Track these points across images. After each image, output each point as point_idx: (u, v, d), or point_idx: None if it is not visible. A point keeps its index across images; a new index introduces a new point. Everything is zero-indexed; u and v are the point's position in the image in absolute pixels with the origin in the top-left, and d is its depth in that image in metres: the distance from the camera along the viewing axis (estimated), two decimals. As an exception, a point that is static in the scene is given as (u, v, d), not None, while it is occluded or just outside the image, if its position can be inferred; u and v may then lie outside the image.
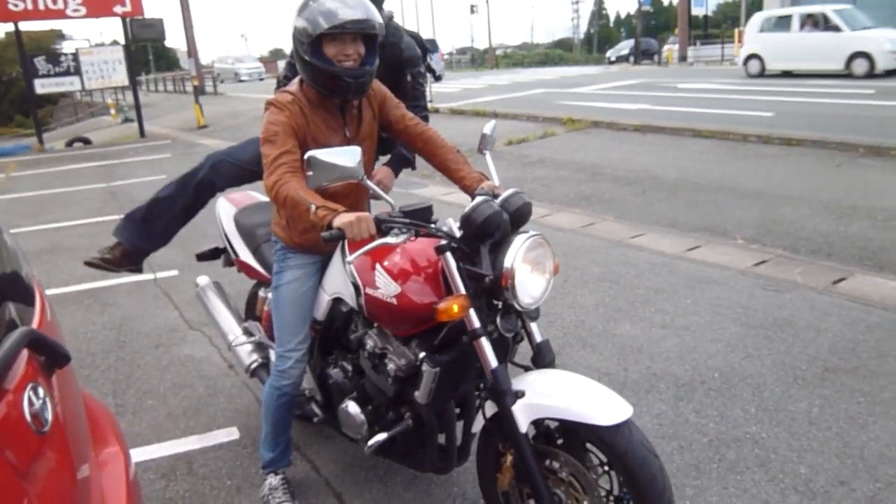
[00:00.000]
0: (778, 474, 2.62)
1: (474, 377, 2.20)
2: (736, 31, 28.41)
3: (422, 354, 2.10)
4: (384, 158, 3.11)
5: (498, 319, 2.05)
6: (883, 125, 9.44)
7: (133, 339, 4.37)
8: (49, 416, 1.14)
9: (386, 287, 2.11)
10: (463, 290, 1.96)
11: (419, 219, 2.03)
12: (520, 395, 1.93)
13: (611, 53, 41.23)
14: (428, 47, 3.51)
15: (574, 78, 23.29)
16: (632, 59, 34.85)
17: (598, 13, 79.04)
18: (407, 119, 2.47)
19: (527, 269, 1.97)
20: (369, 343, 2.27)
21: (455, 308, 1.93)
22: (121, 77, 16.51)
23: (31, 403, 1.10)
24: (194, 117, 17.60)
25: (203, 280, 3.40)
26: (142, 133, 17.03)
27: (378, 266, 2.15)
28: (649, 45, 36.96)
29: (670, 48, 30.72)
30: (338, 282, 2.38)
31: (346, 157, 1.95)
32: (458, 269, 1.98)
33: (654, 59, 33.19)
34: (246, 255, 2.94)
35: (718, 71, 22.21)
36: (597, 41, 71.15)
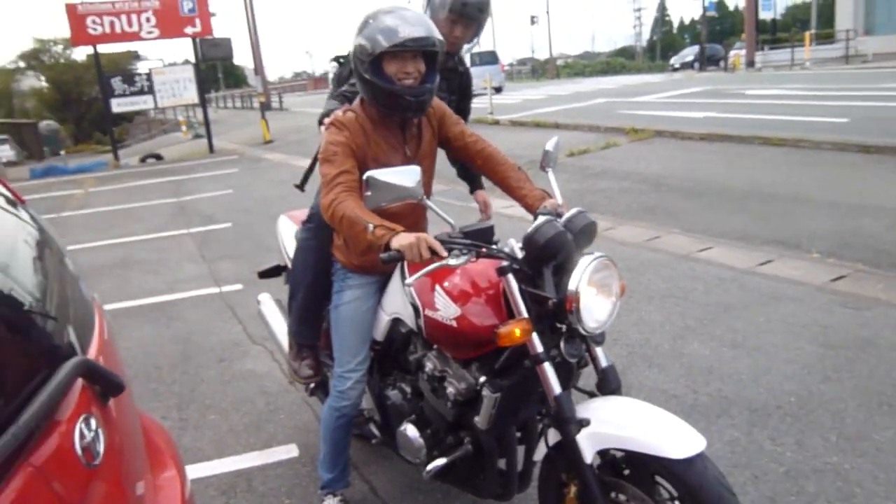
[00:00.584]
0: (863, 509, 2.44)
1: (536, 402, 2.12)
2: (806, 34, 27.50)
3: (482, 378, 2.04)
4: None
5: (562, 344, 1.96)
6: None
7: (198, 353, 4.45)
8: (101, 447, 1.13)
9: (445, 309, 2.06)
10: (525, 314, 1.90)
11: (480, 239, 1.97)
12: (584, 423, 1.84)
13: (674, 60, 40.45)
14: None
15: (636, 86, 22.91)
16: (696, 65, 34.14)
17: (661, 19, 77.76)
18: (466, 136, 2.43)
19: (592, 292, 1.89)
20: (428, 365, 2.23)
21: (517, 332, 1.86)
22: (191, 95, 17.12)
23: (82, 436, 1.08)
24: (261, 133, 18.06)
25: (264, 297, 3.42)
26: (211, 149, 17.59)
27: (438, 287, 2.10)
28: (715, 50, 36.20)
29: (737, 53, 29.91)
30: (397, 302, 2.34)
31: (406, 176, 1.91)
32: (521, 291, 1.92)
33: (720, 65, 32.43)
34: None
35: (789, 76, 21.47)
36: (660, 48, 69.99)
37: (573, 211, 2.05)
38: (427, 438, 2.29)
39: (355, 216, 1.98)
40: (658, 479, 1.85)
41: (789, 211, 6.44)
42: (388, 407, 2.51)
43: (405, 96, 2.15)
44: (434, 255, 1.87)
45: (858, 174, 7.56)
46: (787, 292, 4.50)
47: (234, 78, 70.30)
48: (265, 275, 3.31)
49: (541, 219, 1.95)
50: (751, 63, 28.02)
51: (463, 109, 3.01)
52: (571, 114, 15.57)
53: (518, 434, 2.24)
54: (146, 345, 4.65)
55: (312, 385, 2.98)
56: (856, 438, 2.86)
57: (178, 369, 4.24)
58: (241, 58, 48.91)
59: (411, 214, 2.34)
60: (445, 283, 2.10)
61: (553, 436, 1.96)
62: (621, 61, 53.06)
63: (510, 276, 1.92)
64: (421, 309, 2.16)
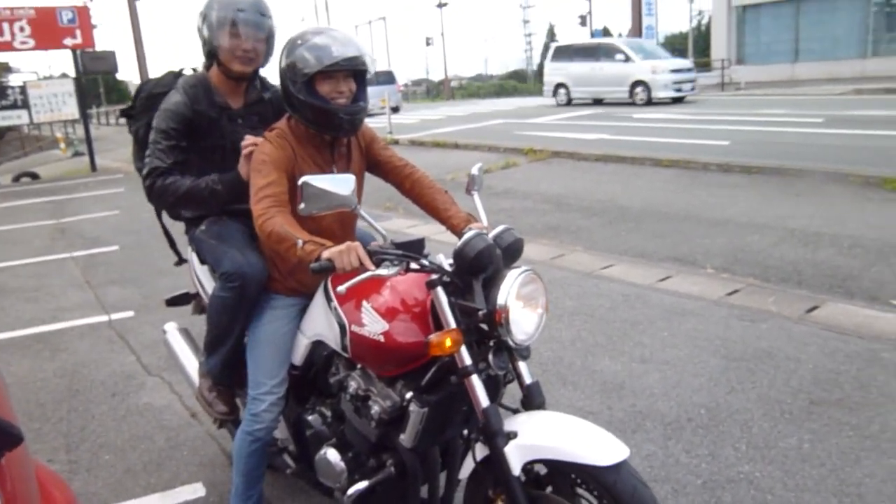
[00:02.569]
0: (777, 517, 2.53)
1: (461, 422, 2.11)
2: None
3: (409, 395, 2.00)
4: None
5: (490, 357, 1.94)
6: (833, 152, 9.68)
7: (87, 388, 4.11)
8: (-1, 510, 0.97)
9: (372, 325, 2.02)
10: (454, 325, 1.87)
11: (411, 251, 1.95)
12: (512, 435, 1.82)
13: (565, 84, 41.88)
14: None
15: (531, 108, 23.55)
16: (586, 89, 35.48)
17: (550, 45, 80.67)
18: (395, 160, 2.46)
19: (520, 305, 1.89)
20: (352, 385, 2.15)
21: (448, 342, 1.83)
22: (71, 110, 16.10)
23: (-24, 500, 0.92)
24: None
25: (170, 326, 3.18)
26: (93, 167, 16.57)
27: (364, 303, 2.06)
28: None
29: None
30: (319, 323, 2.25)
31: (341, 184, 1.89)
32: (450, 304, 1.90)
33: (608, 90, 33.87)
34: None
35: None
36: (550, 72, 72.50)
37: (500, 228, 2.06)
38: (348, 462, 2.22)
39: (284, 232, 1.98)
40: (580, 490, 1.86)
41: (683, 229, 6.74)
42: (305, 433, 2.39)
43: (339, 114, 2.16)
44: (363, 265, 1.84)
45: (743, 193, 8.03)
46: (688, 307, 4.67)
47: (118, 93, 66.91)
48: (173, 303, 3.10)
49: (470, 232, 1.93)
50: (636, 88, 29.42)
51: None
52: (470, 134, 15.78)
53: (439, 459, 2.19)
54: (26, 380, 4.25)
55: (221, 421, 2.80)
56: (764, 447, 2.97)
57: (64, 406, 3.88)
58: (125, 72, 46.68)
59: (340, 231, 2.32)
60: (372, 299, 2.05)
61: (480, 451, 1.93)
62: (514, 84, 54.55)
63: (439, 289, 1.90)
64: (347, 325, 2.09)
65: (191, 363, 2.93)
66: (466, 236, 1.92)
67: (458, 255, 1.91)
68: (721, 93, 25.34)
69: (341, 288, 1.85)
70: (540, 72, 74.88)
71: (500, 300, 1.84)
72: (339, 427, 2.29)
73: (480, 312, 1.87)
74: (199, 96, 2.47)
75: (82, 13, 15.42)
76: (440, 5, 51.18)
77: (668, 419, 3.25)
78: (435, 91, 55.15)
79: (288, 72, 2.15)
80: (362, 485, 2.12)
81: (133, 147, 2.81)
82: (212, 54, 2.48)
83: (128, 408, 3.80)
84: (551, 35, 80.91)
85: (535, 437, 1.82)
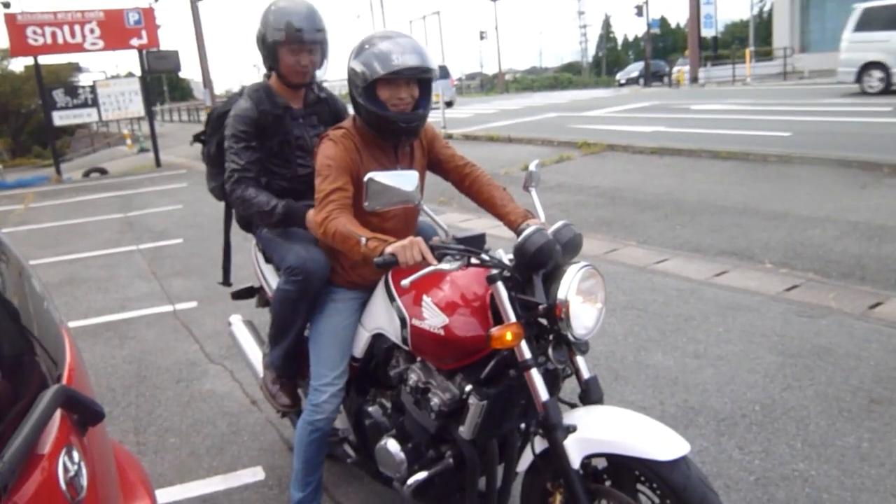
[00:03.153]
0: (832, 515, 2.49)
1: (518, 416, 2.14)
2: (747, 51, 28.47)
3: (468, 388, 2.04)
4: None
5: (549, 351, 1.98)
6: (904, 144, 9.31)
7: (153, 374, 4.30)
8: (84, 481, 1.06)
9: (433, 318, 2.07)
10: (514, 319, 1.91)
11: (472, 247, 1.99)
12: (571, 429, 1.85)
13: (620, 76, 41.33)
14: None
15: (585, 101, 23.31)
16: (642, 81, 34.93)
17: (606, 36, 79.51)
18: (457, 159, 2.53)
19: (580, 300, 1.92)
20: (412, 377, 2.21)
21: (508, 336, 1.87)
22: (137, 108, 16.72)
23: (66, 470, 1.02)
24: (209, 146, 17.70)
25: (235, 319, 3.31)
26: (157, 163, 17.19)
27: (425, 297, 2.11)
28: (659, 66, 37.12)
29: (681, 69, 30.73)
30: (380, 317, 2.32)
31: (405, 180, 1.97)
32: (510, 298, 1.93)
33: (665, 81, 33.26)
34: None
35: (731, 91, 22.15)
36: (605, 64, 71.51)
37: (559, 223, 2.09)
38: (408, 453, 2.26)
39: (348, 231, 2.05)
40: (640, 487, 1.87)
41: (741, 223, 6.61)
42: (366, 424, 2.46)
43: (398, 122, 2.21)
44: (425, 260, 1.90)
45: (803, 187, 7.81)
46: (744, 302, 4.60)
47: (180, 91, 69.01)
48: (239, 296, 3.18)
49: (530, 228, 1.97)
50: (694, 79, 28.81)
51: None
52: (524, 128, 15.73)
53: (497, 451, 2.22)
54: (98, 366, 4.47)
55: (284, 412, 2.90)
56: (820, 445, 2.92)
57: (133, 391, 4.08)
58: (187, 71, 48.08)
59: (403, 227, 2.38)
60: (433, 294, 2.11)
61: (539, 444, 1.95)
62: (569, 77, 53.95)
63: (499, 284, 1.93)
64: (408, 319, 2.15)
65: (255, 354, 3.05)
66: (527, 232, 1.95)
67: (519, 251, 1.94)
68: (784, 82, 24.58)
69: (405, 282, 1.90)
70: (596, 63, 73.83)
71: (561, 295, 1.87)
72: (399, 418, 2.34)
73: (541, 307, 1.90)
74: (263, 98, 2.59)
75: (148, 14, 15.99)
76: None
77: (722, 415, 3.22)
78: (489, 85, 55.00)
79: (352, 75, 2.21)
80: (422, 475, 2.17)
81: (207, 170, 2.92)
82: (272, 65, 2.60)
83: (192, 394, 3.97)
84: (607, 26, 79.79)
85: (595, 430, 1.84)
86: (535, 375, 1.90)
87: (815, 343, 3.89)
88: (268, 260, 2.84)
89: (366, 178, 1.92)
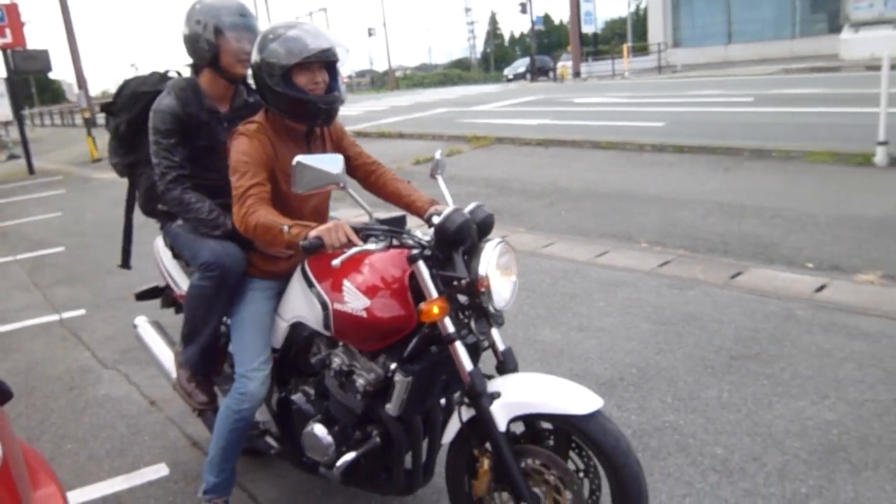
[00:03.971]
0: (697, 457, 2.80)
1: (440, 390, 2.26)
2: (624, 46, 29.91)
3: (393, 366, 2.13)
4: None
5: (472, 323, 2.10)
6: (761, 130, 10.17)
7: (43, 384, 4.17)
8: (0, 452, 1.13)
9: (354, 301, 2.13)
10: (436, 295, 2.01)
11: (394, 227, 2.11)
12: (496, 395, 2.00)
13: (508, 71, 42.41)
14: None
15: (474, 96, 23.81)
16: (528, 76, 35.99)
17: (493, 33, 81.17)
18: (364, 157, 2.62)
19: (498, 274, 2.04)
20: (336, 361, 2.27)
21: (435, 309, 1.98)
22: (4, 111, 15.70)
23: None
24: (87, 151, 16.89)
25: (141, 320, 3.24)
26: (31, 170, 16.18)
27: (345, 282, 2.17)
28: (544, 62, 38.33)
29: (564, 65, 31.89)
30: (298, 305, 2.36)
31: (332, 163, 2.04)
32: (432, 275, 2.03)
33: (550, 76, 34.40)
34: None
35: (611, 85, 23.24)
36: (493, 60, 72.97)
37: (473, 205, 2.18)
38: (335, 435, 2.32)
39: (269, 221, 2.11)
40: (550, 442, 2.07)
41: (620, 207, 7.06)
42: (289, 414, 2.51)
43: (319, 104, 2.27)
44: (350, 242, 1.99)
45: (676, 172, 8.41)
46: (623, 279, 4.96)
47: (51, 93, 64.90)
48: (143, 297, 3.14)
49: (449, 208, 2.07)
50: (577, 73, 30.01)
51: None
52: (414, 123, 15.94)
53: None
54: (-19, 380, 4.28)
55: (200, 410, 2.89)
56: (687, 398, 3.26)
57: (21, 402, 3.94)
58: (58, 71, 45.28)
59: (317, 218, 2.46)
60: (352, 278, 2.17)
61: (466, 412, 2.07)
62: (458, 73, 54.81)
63: (421, 263, 2.03)
64: (329, 304, 2.21)
65: (165, 355, 3.01)
66: (446, 212, 2.05)
67: (440, 229, 2.03)
68: (658, 76, 26.01)
69: (336, 261, 1.95)
70: (485, 59, 75.05)
71: (482, 270, 1.99)
72: (324, 403, 2.39)
73: (464, 281, 2.00)
74: (190, 99, 2.54)
75: (11, 11, 15.05)
76: (381, -5, 51.02)
77: (603, 379, 3.51)
78: (380, 82, 55.01)
79: (264, 65, 2.24)
80: (350, 456, 2.25)
81: (110, 142, 2.88)
82: (212, 59, 2.53)
83: (86, 400, 3.89)
84: (494, 23, 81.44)
85: (517, 395, 2.00)
86: (460, 347, 2.02)
87: (684, 311, 4.28)
88: (176, 256, 2.82)
89: (294, 162, 1.98)
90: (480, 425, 2.03)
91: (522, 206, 7.54)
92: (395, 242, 2.09)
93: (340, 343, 2.30)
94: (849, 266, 4.84)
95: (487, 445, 2.09)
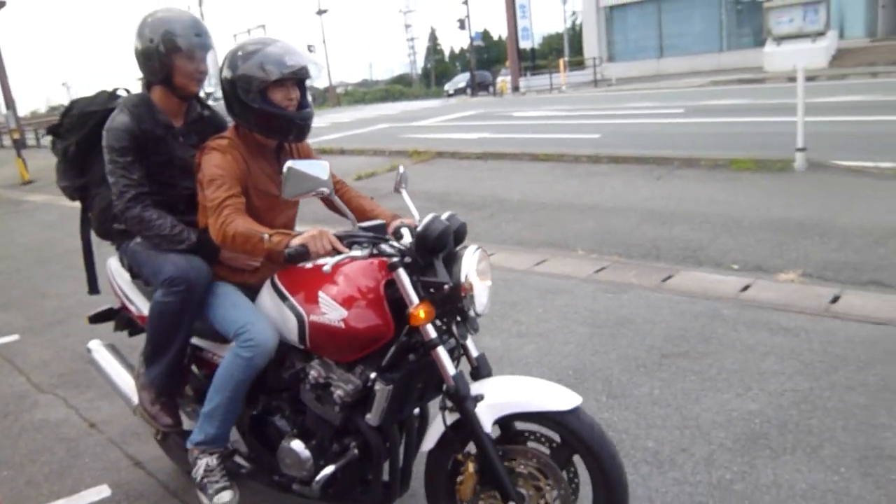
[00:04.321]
0: (630, 450, 2.93)
1: (417, 398, 2.30)
2: (561, 61, 30.60)
3: (372, 375, 2.15)
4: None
5: (454, 328, 2.15)
6: (690, 140, 10.60)
7: (-25, 412, 4.06)
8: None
9: (331, 312, 2.15)
10: (417, 301, 2.04)
11: (376, 234, 2.16)
12: (479, 398, 2.05)
13: (449, 87, 42.84)
14: None
15: (415, 112, 23.98)
16: (469, 91, 36.43)
17: (433, 49, 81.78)
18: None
19: (477, 280, 2.09)
20: (312, 374, 2.27)
21: (422, 313, 2.03)
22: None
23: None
24: (17, 172, 16.35)
25: (95, 344, 3.14)
26: (-45, 194, 15.55)
27: (320, 293, 2.18)
28: (484, 77, 38.92)
29: (503, 79, 32.44)
30: (271, 319, 2.34)
31: (320, 169, 2.07)
32: (412, 282, 2.06)
33: (490, 91, 34.91)
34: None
35: (549, 99, 23.77)
36: (434, 76, 73.48)
37: (447, 213, 2.19)
38: (313, 449, 2.31)
39: (248, 231, 2.14)
40: (530, 444, 2.15)
41: (557, 217, 7.26)
42: (263, 430, 2.48)
43: (295, 120, 2.32)
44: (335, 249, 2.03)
45: (610, 181, 8.68)
46: (560, 286, 5.12)
47: (-24, 115, 62.27)
48: (97, 319, 3.06)
49: (429, 216, 2.10)
50: (516, 88, 30.57)
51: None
52: (356, 139, 15.98)
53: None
54: None
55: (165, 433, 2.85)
56: (621, 396, 3.40)
57: (-47, 431, 3.84)
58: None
59: (288, 228, 2.49)
60: (326, 289, 2.18)
61: (450, 417, 2.11)
62: (399, 88, 54.99)
63: (401, 270, 2.06)
64: (305, 316, 2.21)
65: (123, 379, 2.93)
66: (426, 220, 2.07)
67: (422, 236, 2.04)
68: (594, 89, 26.69)
69: (327, 266, 1.97)
70: (426, 75, 75.46)
71: (463, 276, 2.04)
72: (299, 418, 2.37)
73: (446, 286, 2.03)
74: (144, 115, 2.50)
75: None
76: (320, 12, 50.88)
77: (541, 382, 3.63)
78: (321, 99, 54.75)
79: (239, 81, 2.26)
80: (329, 469, 2.24)
81: (58, 165, 2.82)
82: (164, 77, 2.50)
83: (22, 426, 3.81)
84: (434, 39, 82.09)
85: (500, 396, 2.06)
86: (442, 352, 2.06)
87: (618, 314, 4.45)
88: (135, 276, 2.76)
89: (285, 168, 2.00)
90: (464, 429, 2.08)
91: (463, 218, 7.63)
92: (381, 248, 2.11)
93: (315, 356, 2.29)
94: (771, 266, 5.11)
95: (469, 449, 2.15)
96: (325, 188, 2.07)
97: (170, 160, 2.55)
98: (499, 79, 33.96)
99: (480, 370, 2.21)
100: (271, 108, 2.28)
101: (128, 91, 2.76)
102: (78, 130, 2.69)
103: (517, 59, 31.54)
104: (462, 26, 36.82)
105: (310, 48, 51.55)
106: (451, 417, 2.11)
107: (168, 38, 2.44)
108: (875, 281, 4.64)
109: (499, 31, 69.02)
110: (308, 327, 2.21)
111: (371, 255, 2.09)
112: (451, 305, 2.08)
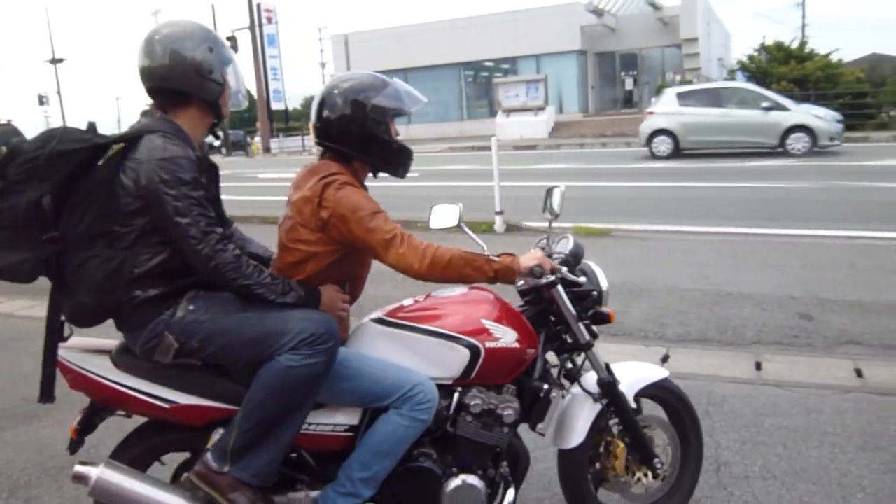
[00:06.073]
0: None
1: None
2: (311, 124, 31.22)
3: (545, 386, 2.27)
4: None
5: (592, 329, 2.45)
6: (419, 202, 11.09)
7: None
8: None
9: (505, 336, 2.19)
10: (575, 314, 2.31)
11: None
12: (616, 382, 2.40)
13: (202, 146, 41.34)
14: None
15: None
16: (223, 150, 35.49)
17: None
18: None
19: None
20: (475, 403, 2.17)
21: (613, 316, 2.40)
22: None
23: None
24: None
25: (92, 469, 2.07)
26: None
27: (483, 320, 2.20)
28: (237, 136, 38.18)
29: (255, 140, 32.13)
30: (420, 365, 2.16)
31: (455, 209, 2.32)
32: (567, 294, 2.29)
33: (245, 151, 34.35)
34: (188, 397, 2.10)
35: (299, 160, 23.84)
36: (190, 133, 70.58)
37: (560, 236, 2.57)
38: (485, 480, 2.23)
39: (465, 253, 2.09)
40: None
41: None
42: (410, 481, 2.20)
43: (411, 154, 2.32)
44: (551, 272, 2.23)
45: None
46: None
47: None
48: (85, 430, 2.22)
49: (569, 237, 2.49)
50: (267, 149, 30.42)
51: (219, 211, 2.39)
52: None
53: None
54: None
55: None
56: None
57: None
58: None
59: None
60: (486, 315, 2.23)
61: (592, 408, 2.41)
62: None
63: (560, 287, 2.26)
64: (481, 346, 2.16)
65: (162, 496, 2.09)
66: (572, 239, 2.46)
67: (576, 253, 2.41)
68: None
69: (556, 283, 2.24)
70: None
71: (604, 284, 2.40)
72: (447, 458, 2.22)
73: (595, 293, 2.36)
74: (188, 142, 2.08)
75: None
76: (54, 61, 46.63)
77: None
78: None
79: (374, 112, 2.15)
80: (511, 493, 2.26)
81: (11, 230, 1.96)
82: (212, 98, 2.15)
83: None
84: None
85: (627, 377, 2.46)
86: (596, 354, 2.39)
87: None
88: (186, 354, 2.05)
89: (434, 208, 2.34)
90: (603, 415, 2.41)
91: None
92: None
93: (458, 389, 2.20)
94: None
95: (613, 429, 2.48)
96: (456, 223, 2.31)
97: (215, 197, 2.21)
98: (254, 139, 33.56)
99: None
100: (398, 141, 2.25)
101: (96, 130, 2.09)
102: (52, 176, 1.94)
103: (268, 120, 31.49)
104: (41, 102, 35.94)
105: (41, 100, 47.10)
106: (594, 409, 2.39)
107: (220, 50, 2.15)
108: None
109: (252, 91, 68.54)
110: (483, 356, 2.17)
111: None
112: (593, 308, 2.37)
